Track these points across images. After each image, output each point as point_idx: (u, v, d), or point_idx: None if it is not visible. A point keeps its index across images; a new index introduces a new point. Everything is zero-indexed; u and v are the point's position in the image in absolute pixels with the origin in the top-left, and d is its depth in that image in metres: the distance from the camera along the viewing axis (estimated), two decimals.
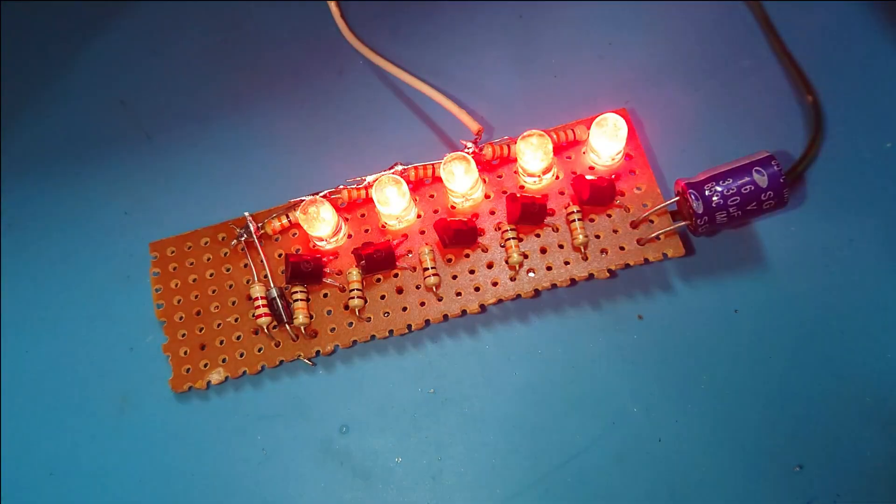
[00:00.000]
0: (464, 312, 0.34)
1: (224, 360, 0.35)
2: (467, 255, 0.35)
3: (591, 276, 0.34)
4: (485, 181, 0.36)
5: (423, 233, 0.36)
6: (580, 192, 0.35)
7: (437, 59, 0.42)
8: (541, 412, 0.34)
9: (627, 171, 0.36)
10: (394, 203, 0.35)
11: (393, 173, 0.35)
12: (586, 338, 0.35)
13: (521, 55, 0.42)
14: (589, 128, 0.35)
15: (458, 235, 0.34)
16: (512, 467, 0.33)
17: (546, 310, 0.36)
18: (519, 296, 0.34)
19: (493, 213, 0.36)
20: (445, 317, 0.34)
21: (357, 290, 0.34)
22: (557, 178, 0.36)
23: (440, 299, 0.35)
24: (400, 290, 0.35)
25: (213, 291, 0.36)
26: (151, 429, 0.35)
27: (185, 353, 0.35)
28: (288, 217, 0.36)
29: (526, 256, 0.35)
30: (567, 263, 0.34)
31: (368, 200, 0.36)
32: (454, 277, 0.35)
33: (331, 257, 0.36)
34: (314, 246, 0.36)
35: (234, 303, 0.36)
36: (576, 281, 0.34)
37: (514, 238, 0.34)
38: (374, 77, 0.42)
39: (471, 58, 0.42)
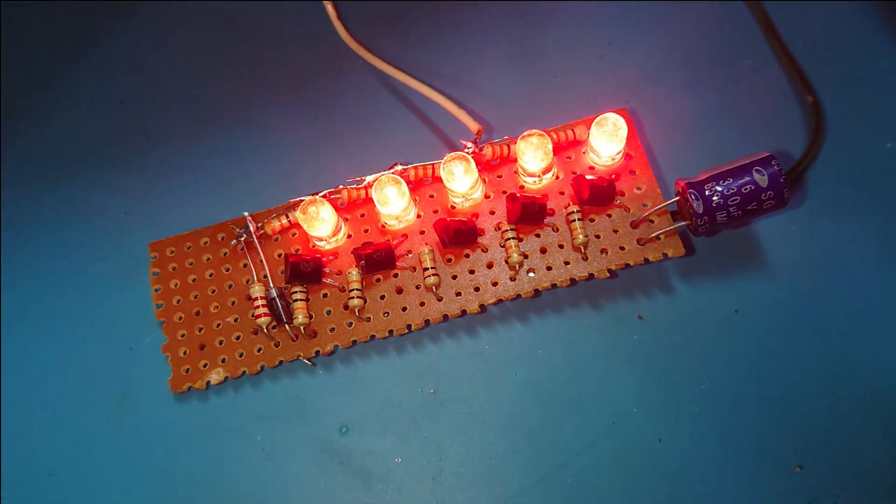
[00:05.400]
0: (464, 312, 0.34)
1: (223, 361, 0.35)
2: (467, 255, 0.35)
3: (591, 276, 0.34)
4: (485, 181, 0.36)
5: (423, 233, 0.36)
6: (580, 192, 0.35)
7: (436, 59, 0.42)
8: (541, 412, 0.34)
9: (627, 171, 0.36)
10: (394, 203, 0.35)
11: (393, 173, 0.35)
12: (586, 338, 0.35)
13: (521, 55, 0.42)
14: (589, 128, 0.35)
15: (458, 235, 0.34)
16: (512, 467, 0.33)
17: (546, 310, 0.35)
18: (519, 296, 0.34)
19: (493, 213, 0.36)
20: (445, 317, 0.34)
21: (357, 290, 0.34)
22: (557, 178, 0.36)
23: (440, 299, 0.35)
24: (400, 290, 0.35)
25: (213, 291, 0.36)
26: (151, 429, 0.35)
27: (185, 353, 0.35)
28: (288, 217, 0.36)
29: (526, 256, 0.35)
30: (567, 263, 0.34)
31: (368, 200, 0.36)
32: (454, 277, 0.35)
33: (331, 257, 0.36)
34: (314, 246, 0.36)
35: (233, 303, 0.36)
36: (576, 281, 0.34)
37: (514, 238, 0.34)
38: (373, 77, 0.42)
39: (471, 58, 0.42)
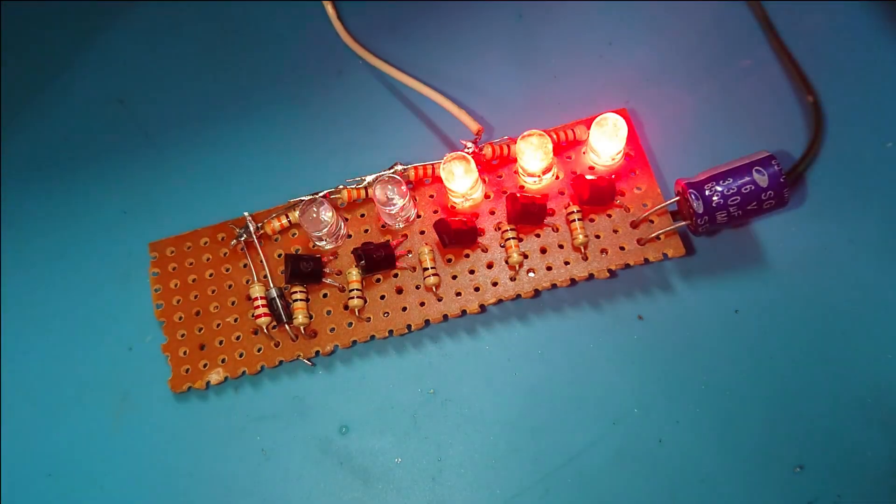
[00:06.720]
0: (463, 312, 0.34)
1: (223, 361, 0.35)
2: (467, 255, 0.35)
3: (591, 276, 0.34)
4: (485, 181, 0.36)
5: (423, 233, 0.36)
6: (580, 192, 0.35)
7: (436, 59, 0.42)
8: (541, 412, 0.34)
9: (627, 171, 0.36)
10: (395, 203, 0.35)
11: (393, 173, 0.35)
12: (586, 338, 0.35)
13: (521, 55, 0.42)
14: (589, 128, 0.35)
15: (458, 235, 0.34)
16: (512, 467, 0.33)
17: (546, 310, 0.35)
18: (519, 296, 0.34)
19: (493, 213, 0.36)
20: (445, 317, 0.34)
21: (357, 290, 0.34)
22: (557, 178, 0.36)
23: (440, 299, 0.35)
24: (400, 291, 0.35)
25: (213, 291, 0.36)
26: (150, 429, 0.35)
27: (185, 353, 0.35)
28: (288, 217, 0.36)
29: (526, 256, 0.35)
30: (567, 263, 0.34)
31: (368, 200, 0.36)
32: (454, 277, 0.35)
33: (331, 257, 0.36)
34: (314, 246, 0.36)
35: (233, 303, 0.36)
36: (576, 281, 0.34)
37: (514, 238, 0.34)
38: (373, 77, 0.42)
39: (471, 58, 0.42)
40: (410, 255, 0.35)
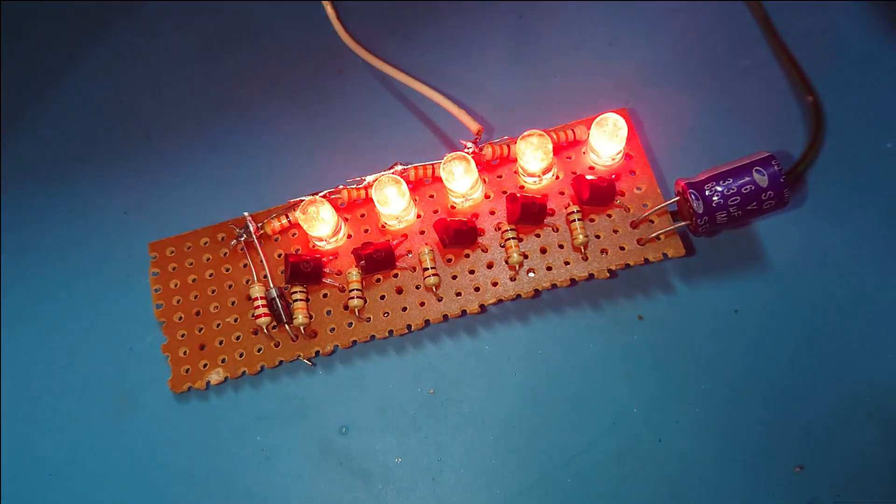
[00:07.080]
0: (464, 312, 0.34)
1: (223, 361, 0.35)
2: (467, 255, 0.35)
3: (591, 276, 0.34)
4: (485, 181, 0.36)
5: (423, 233, 0.36)
6: (580, 192, 0.35)
7: (436, 59, 0.42)
8: (541, 412, 0.34)
9: (627, 171, 0.36)
10: (393, 203, 0.35)
11: (393, 173, 0.35)
12: (586, 338, 0.35)
13: (521, 55, 0.42)
14: (589, 128, 0.35)
15: (458, 235, 0.34)
16: (512, 467, 0.33)
17: (546, 310, 0.35)
18: (519, 296, 0.34)
19: (493, 213, 0.36)
20: (445, 317, 0.34)
21: (357, 290, 0.34)
22: (557, 178, 0.36)
23: (440, 299, 0.35)
24: (400, 291, 0.35)
25: (213, 292, 0.36)
26: (151, 429, 0.35)
27: (185, 353, 0.35)
28: (288, 217, 0.36)
29: (526, 256, 0.35)
30: (567, 263, 0.34)
31: (368, 200, 0.36)
32: (454, 277, 0.35)
33: (330, 257, 0.36)
34: (314, 246, 0.36)
35: (233, 303, 0.36)
36: (576, 281, 0.34)
37: (514, 238, 0.34)
38: (373, 77, 0.42)
39: (471, 58, 0.42)
40: (410, 255, 0.35)
